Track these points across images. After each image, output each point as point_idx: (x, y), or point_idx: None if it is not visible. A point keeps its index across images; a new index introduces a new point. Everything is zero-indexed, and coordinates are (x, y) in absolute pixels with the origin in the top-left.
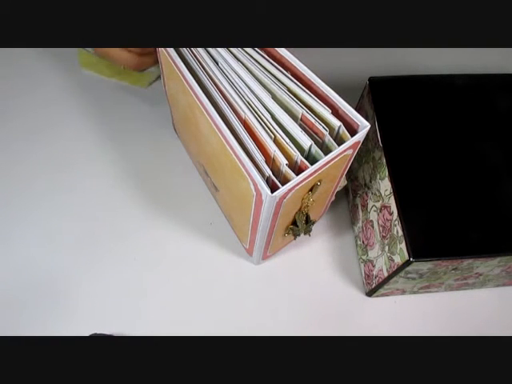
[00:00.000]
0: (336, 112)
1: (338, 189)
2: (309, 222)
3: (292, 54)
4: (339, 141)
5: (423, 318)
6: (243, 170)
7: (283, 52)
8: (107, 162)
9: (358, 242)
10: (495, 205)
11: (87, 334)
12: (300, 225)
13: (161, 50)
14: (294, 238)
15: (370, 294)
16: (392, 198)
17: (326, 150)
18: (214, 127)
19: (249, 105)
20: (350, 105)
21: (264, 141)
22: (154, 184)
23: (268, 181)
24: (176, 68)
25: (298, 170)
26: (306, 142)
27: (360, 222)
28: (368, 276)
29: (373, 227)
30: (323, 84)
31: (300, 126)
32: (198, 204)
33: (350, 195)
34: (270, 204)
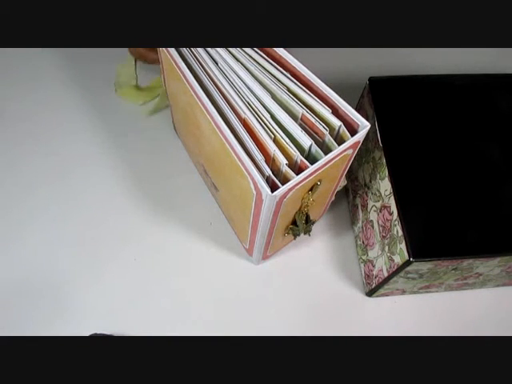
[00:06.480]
0: (336, 112)
1: (338, 189)
2: (309, 221)
3: (292, 54)
4: (339, 140)
5: (423, 318)
6: (243, 169)
7: (282, 52)
8: (107, 162)
9: (358, 242)
10: (495, 205)
11: (87, 334)
12: (300, 225)
13: (162, 49)
14: (294, 238)
15: (370, 294)
16: (392, 197)
17: (326, 150)
18: (215, 127)
19: (248, 105)
20: (350, 105)
21: (264, 140)
22: (154, 184)
23: (268, 180)
24: (177, 68)
25: (298, 169)
26: (306, 141)
27: (360, 221)
28: (368, 276)
29: (373, 227)
30: (323, 84)
31: (300, 125)
32: (198, 204)
33: (350, 195)
34: (270, 203)
